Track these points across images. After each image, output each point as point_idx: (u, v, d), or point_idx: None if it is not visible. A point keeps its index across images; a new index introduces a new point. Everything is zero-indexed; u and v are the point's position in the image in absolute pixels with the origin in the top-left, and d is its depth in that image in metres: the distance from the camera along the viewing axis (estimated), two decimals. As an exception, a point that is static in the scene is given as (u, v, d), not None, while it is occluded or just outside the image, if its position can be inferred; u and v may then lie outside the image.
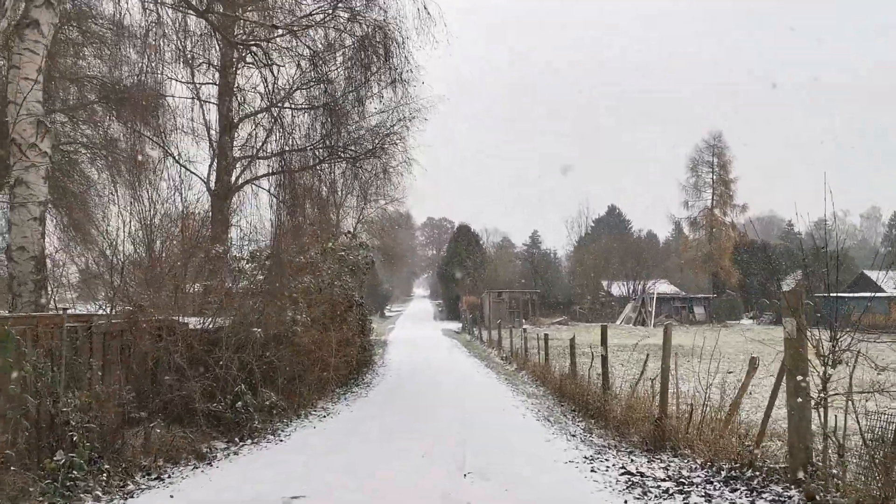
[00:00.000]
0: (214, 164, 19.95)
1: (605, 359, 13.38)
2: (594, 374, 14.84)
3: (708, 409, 8.74)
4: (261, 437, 10.11)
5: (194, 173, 19.86)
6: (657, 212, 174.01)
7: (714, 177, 63.85)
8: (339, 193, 30.52)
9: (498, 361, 26.53)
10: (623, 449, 9.63)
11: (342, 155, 20.35)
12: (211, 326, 11.68)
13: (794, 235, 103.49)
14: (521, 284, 64.00)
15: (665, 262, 71.77)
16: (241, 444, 9.71)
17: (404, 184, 46.61)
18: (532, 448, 9.56)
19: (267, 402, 10.93)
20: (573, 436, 10.44)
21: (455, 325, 56.20)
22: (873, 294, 47.20)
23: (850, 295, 48.89)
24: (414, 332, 49.61)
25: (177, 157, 19.93)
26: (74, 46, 18.56)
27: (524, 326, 28.42)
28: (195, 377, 10.39)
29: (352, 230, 24.37)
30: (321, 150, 21.48)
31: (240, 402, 10.16)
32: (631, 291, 64.60)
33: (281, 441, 9.94)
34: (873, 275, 55.04)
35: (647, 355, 12.24)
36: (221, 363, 10.87)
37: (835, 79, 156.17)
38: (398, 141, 21.67)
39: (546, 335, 21.20)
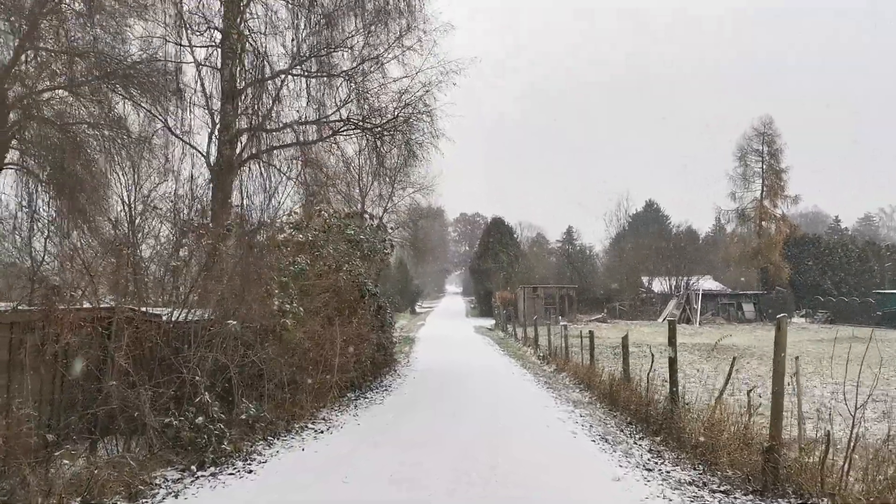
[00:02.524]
0: (215, 136, 17.65)
1: (673, 362, 10.67)
2: (655, 379, 12.20)
3: (858, 441, 6.00)
4: (227, 463, 7.64)
5: (191, 145, 17.60)
6: (696, 207, 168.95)
7: (764, 166, 59.84)
8: (362, 174, 28.15)
9: (534, 361, 23.86)
10: (718, 488, 6.98)
11: (360, 125, 17.83)
12: (182, 318, 9.30)
13: (841, 231, 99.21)
14: (556, 280, 60.99)
15: (707, 257, 68.09)
16: (197, 473, 7.25)
17: (433, 171, 44.36)
18: (598, 494, 6.90)
19: (243, 416, 8.47)
20: (648, 469, 7.75)
21: (488, 322, 53.47)
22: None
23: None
24: (444, 329, 47.02)
25: (171, 128, 17.73)
26: (80, 18, 16.54)
27: (563, 323, 25.74)
28: (148, 382, 8.01)
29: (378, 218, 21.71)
30: (337, 123, 19.07)
31: (202, 417, 7.70)
32: (673, 288, 61.12)
33: (250, 472, 7.41)
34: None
35: (734, 359, 9.49)
36: (191, 365, 8.49)
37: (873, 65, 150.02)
38: (423, 114, 19.03)
39: (591, 332, 18.48)
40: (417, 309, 77.05)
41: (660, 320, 53.31)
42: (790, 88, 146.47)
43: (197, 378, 7.99)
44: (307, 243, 11.57)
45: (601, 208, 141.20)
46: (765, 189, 59.91)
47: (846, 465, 5.69)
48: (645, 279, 64.33)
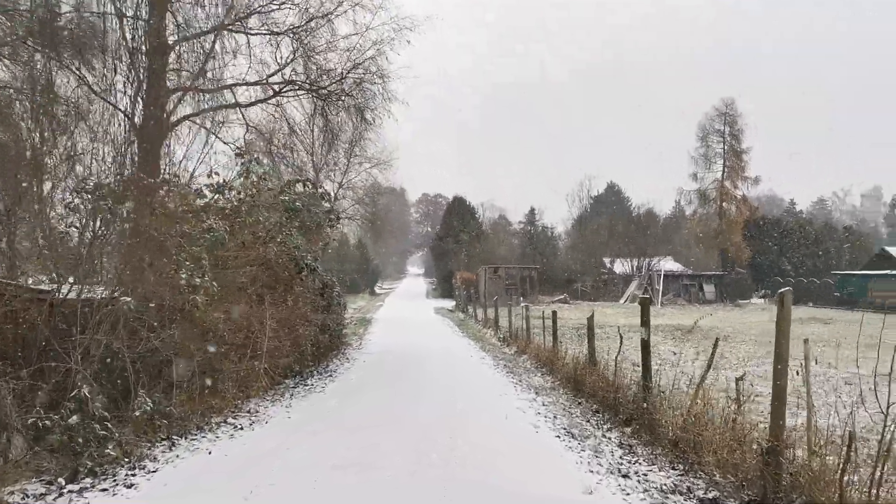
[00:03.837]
0: (142, 96, 15.87)
1: (646, 345, 9.48)
2: (623, 362, 11.06)
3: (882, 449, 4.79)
4: (108, 473, 6.17)
5: (114, 105, 15.77)
6: (657, 189, 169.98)
7: (725, 147, 59.43)
8: (315, 146, 26.44)
9: (494, 343, 22.69)
10: (706, 495, 5.79)
11: (304, 86, 16.20)
12: (76, 296, 7.78)
13: (796, 213, 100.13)
14: (518, 261, 59.98)
15: (668, 239, 67.84)
16: (66, 487, 5.78)
17: (391, 145, 42.73)
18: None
19: (137, 413, 7.01)
20: (624, 476, 6.49)
21: (448, 303, 52.21)
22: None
23: (875, 273, 45.17)
24: (403, 310, 45.63)
25: (91, 85, 15.89)
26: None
27: (524, 304, 24.59)
28: (20, 371, 6.52)
29: (321, 186, 20.02)
30: (281, 84, 17.41)
31: (77, 416, 6.22)
32: (635, 269, 60.64)
33: (130, 487, 5.91)
34: (895, 251, 51.33)
35: (717, 341, 8.31)
36: (76, 351, 7.01)
37: (827, 50, 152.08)
38: (375, 74, 17.48)
39: (554, 313, 17.29)
40: (377, 290, 75.50)
41: (622, 301, 52.74)
42: (766, 76, 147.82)
43: (76, 367, 6.50)
44: (231, 209, 10.06)
45: (566, 188, 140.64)
46: (726, 170, 59.58)
47: (878, 475, 4.49)
48: (607, 260, 63.77)
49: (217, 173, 10.15)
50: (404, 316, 39.35)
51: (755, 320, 34.25)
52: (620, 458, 7.37)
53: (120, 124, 16.30)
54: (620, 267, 62.48)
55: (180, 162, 16.07)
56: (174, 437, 7.61)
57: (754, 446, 5.93)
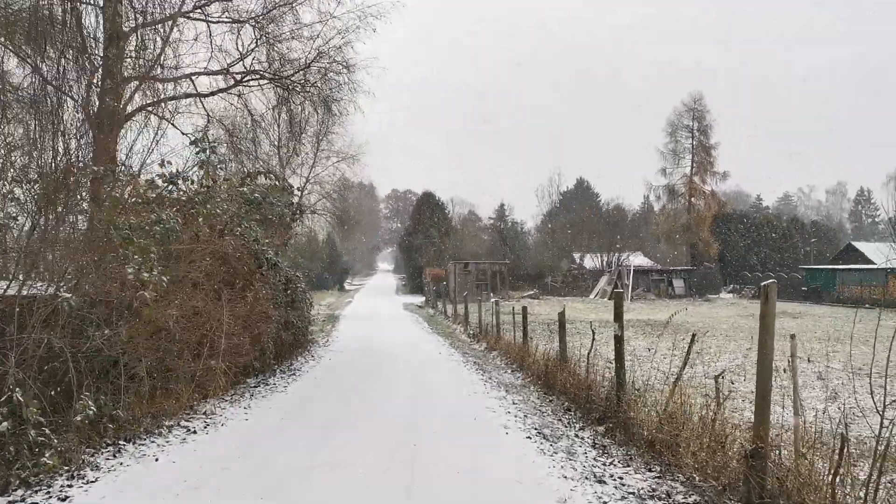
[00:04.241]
0: (96, 84, 15.17)
1: (619, 340, 9.17)
2: (595, 359, 10.79)
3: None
4: (43, 484, 5.65)
5: (66, 94, 15.04)
6: (626, 186, 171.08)
7: (694, 142, 59.74)
8: (281, 140, 25.80)
9: (464, 339, 22.33)
10: (686, 499, 5.47)
11: (267, 76, 15.63)
12: (14, 292, 7.21)
13: (762, 209, 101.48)
14: (488, 257, 59.72)
15: (637, 234, 68.16)
16: (-7, 502, 5.27)
17: (358, 140, 42.06)
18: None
19: (79, 417, 6.49)
20: (599, 481, 6.13)
21: (418, 299, 51.78)
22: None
23: (843, 267, 45.77)
24: (372, 306, 45.10)
25: (43, 73, 15.14)
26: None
27: (494, 299, 24.29)
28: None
29: (283, 178, 19.41)
30: (241, 75, 16.80)
31: (8, 423, 5.69)
32: (605, 264, 60.82)
33: (64, 500, 5.39)
34: (862, 247, 52.12)
35: (694, 336, 8.01)
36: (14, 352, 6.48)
37: (803, 49, 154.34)
38: (340, 64, 16.95)
39: (525, 308, 16.98)
40: (346, 286, 74.79)
41: (591, 296, 52.79)
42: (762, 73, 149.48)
43: (9, 370, 5.97)
44: (186, 200, 9.50)
45: (536, 182, 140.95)
46: (694, 165, 59.96)
47: (874, 479, 4.19)
48: (577, 255, 63.90)
49: (170, 162, 9.61)
50: (373, 312, 38.86)
51: (725, 314, 34.43)
52: (595, 459, 7.04)
53: (73, 114, 15.62)
54: (590, 262, 62.64)
55: (137, 154, 15.46)
56: (121, 442, 7.10)
57: (736, 447, 5.64)
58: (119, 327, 7.25)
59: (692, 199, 59.96)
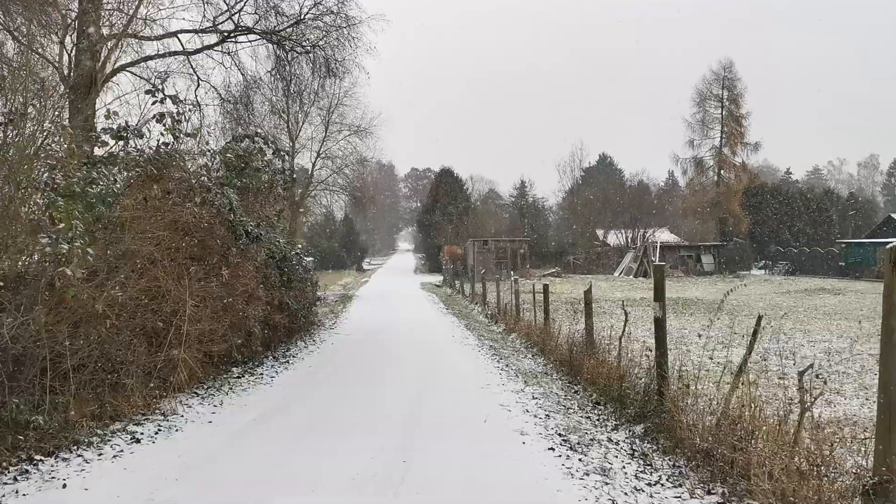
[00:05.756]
0: (69, 43, 13.73)
1: (661, 324, 7.54)
2: (629, 343, 9.22)
3: None
4: None
5: (40, 54, 13.58)
6: (650, 161, 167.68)
7: (724, 112, 57.04)
8: (290, 114, 24.26)
9: (481, 321, 20.79)
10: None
11: (255, 30, 14.04)
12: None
13: (792, 183, 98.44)
14: (508, 234, 57.91)
15: (663, 209, 65.83)
16: None
17: (371, 112, 40.41)
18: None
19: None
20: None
21: (436, 279, 50.23)
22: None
23: (886, 241, 43.40)
24: (389, 286, 43.63)
25: (12, 31, 13.70)
26: None
27: (514, 278, 22.71)
28: None
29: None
30: (231, 32, 15.22)
31: None
32: (630, 240, 58.73)
33: None
34: (904, 218, 49.57)
35: (760, 318, 6.34)
36: None
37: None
38: (340, 20, 15.30)
39: (546, 286, 15.35)
40: (365, 266, 73.37)
41: (616, 274, 50.97)
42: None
43: None
44: (144, 161, 7.95)
45: (557, 158, 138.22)
46: (724, 136, 57.35)
47: None
48: (600, 232, 61.83)
49: (116, 113, 8.07)
50: (389, 291, 37.43)
51: (759, 292, 32.48)
52: (636, 478, 5.46)
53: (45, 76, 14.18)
54: (614, 239, 60.59)
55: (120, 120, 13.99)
56: (37, 457, 5.64)
57: (842, 476, 4.04)
58: (35, 312, 5.77)
59: (721, 171, 57.48)
